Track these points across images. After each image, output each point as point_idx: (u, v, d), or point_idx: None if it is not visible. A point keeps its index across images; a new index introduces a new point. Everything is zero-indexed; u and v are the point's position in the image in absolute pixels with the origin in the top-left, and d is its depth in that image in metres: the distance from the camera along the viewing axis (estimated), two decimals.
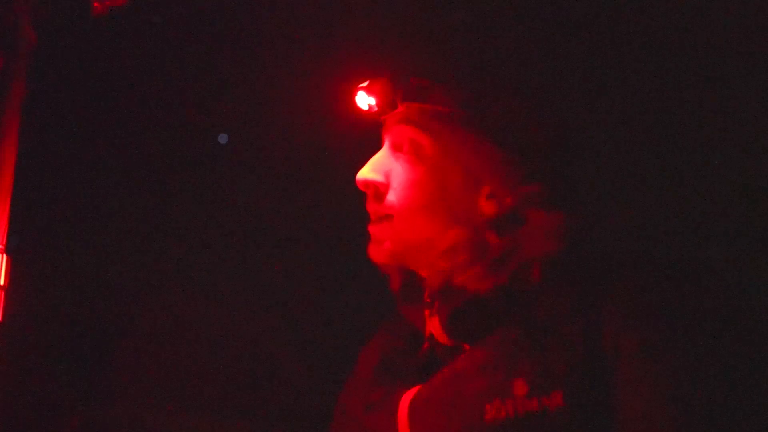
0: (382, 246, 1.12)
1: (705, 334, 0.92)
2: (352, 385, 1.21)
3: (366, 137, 1.17)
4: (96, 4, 1.13)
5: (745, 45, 1.12)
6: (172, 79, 1.50)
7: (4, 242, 1.01)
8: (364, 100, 1.14)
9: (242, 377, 1.46)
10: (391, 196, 1.11)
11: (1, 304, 1.01)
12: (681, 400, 0.88)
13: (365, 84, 1.13)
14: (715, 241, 1.12)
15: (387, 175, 1.12)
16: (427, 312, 1.11)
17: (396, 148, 1.13)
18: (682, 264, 1.00)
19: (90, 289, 1.48)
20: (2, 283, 1.02)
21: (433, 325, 1.09)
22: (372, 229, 1.13)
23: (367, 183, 1.13)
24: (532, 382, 0.95)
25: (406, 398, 1.07)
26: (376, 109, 1.13)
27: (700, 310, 0.94)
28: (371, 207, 1.13)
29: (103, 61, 1.49)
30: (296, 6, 1.26)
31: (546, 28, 1.18)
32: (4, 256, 1.02)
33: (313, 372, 1.28)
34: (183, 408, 1.45)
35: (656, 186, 1.18)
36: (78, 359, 1.47)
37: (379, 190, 1.12)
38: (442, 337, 1.09)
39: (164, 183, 1.54)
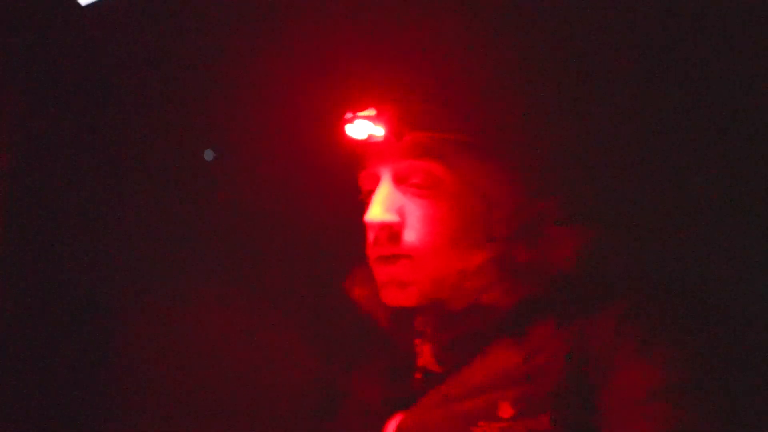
0: (408, 289, 1.05)
1: (691, 357, 0.91)
2: (346, 412, 1.20)
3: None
4: None
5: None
6: (162, 85, 1.45)
7: None
8: (362, 129, 1.06)
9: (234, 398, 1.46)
10: (410, 236, 1.04)
11: None
12: (670, 421, 0.87)
13: (371, 112, 1.05)
14: (715, 257, 1.12)
15: (400, 214, 1.05)
16: (418, 341, 1.09)
17: (401, 182, 1.07)
18: (667, 285, 1.00)
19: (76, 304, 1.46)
20: None
21: (425, 354, 1.08)
22: (388, 270, 1.06)
23: (383, 225, 1.05)
24: (519, 405, 0.95)
25: (393, 423, 1.06)
26: (378, 138, 1.05)
27: (686, 333, 0.93)
28: (383, 249, 1.06)
29: (87, 66, 1.44)
30: (290, 24, 1.21)
31: (553, 45, 1.16)
32: None
33: (311, 389, 1.27)
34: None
35: (666, 200, 1.18)
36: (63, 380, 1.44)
37: (393, 230, 1.05)
38: (433, 366, 1.07)
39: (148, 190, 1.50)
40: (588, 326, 0.97)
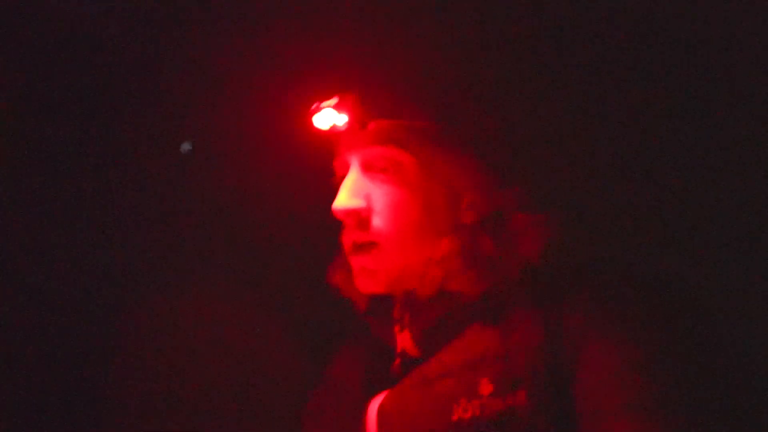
0: (377, 276, 1.07)
1: (660, 332, 0.95)
2: (319, 398, 1.21)
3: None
4: None
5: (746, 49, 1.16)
6: (136, 81, 1.47)
7: None
8: (326, 119, 1.07)
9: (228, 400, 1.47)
10: (377, 222, 1.06)
11: None
12: (641, 394, 0.91)
13: (333, 101, 1.06)
14: (685, 245, 1.16)
15: (367, 200, 1.06)
16: (397, 327, 1.10)
17: (368, 169, 1.07)
18: (638, 268, 1.02)
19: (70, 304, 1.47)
20: None
21: (404, 340, 1.10)
22: (357, 258, 1.07)
23: (348, 211, 1.06)
24: (497, 382, 0.98)
25: (375, 404, 1.09)
26: (342, 128, 1.06)
27: (656, 311, 0.97)
28: (352, 235, 1.07)
29: (67, 62, 1.45)
30: (258, 17, 1.23)
31: (516, 36, 1.19)
32: None
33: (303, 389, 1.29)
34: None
35: (631, 188, 1.22)
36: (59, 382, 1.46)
37: (361, 216, 1.06)
38: (412, 350, 1.09)
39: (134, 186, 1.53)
40: (561, 309, 0.99)
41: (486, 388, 0.98)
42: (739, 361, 0.96)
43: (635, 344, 0.94)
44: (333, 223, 1.11)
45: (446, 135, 1.05)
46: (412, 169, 1.06)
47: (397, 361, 1.10)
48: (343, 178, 1.11)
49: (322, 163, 1.17)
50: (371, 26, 1.13)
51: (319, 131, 1.10)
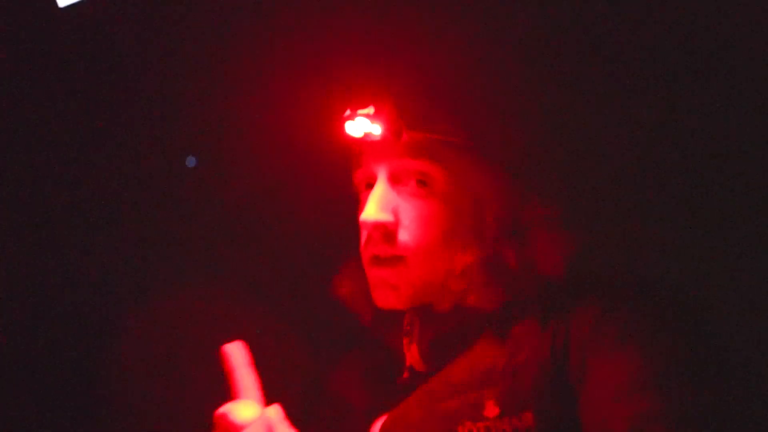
0: (398, 292, 1.06)
1: (666, 353, 0.94)
2: (323, 411, 1.19)
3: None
4: None
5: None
6: (151, 85, 1.44)
7: None
8: (360, 127, 1.06)
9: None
10: (404, 236, 1.05)
11: None
12: (647, 415, 0.89)
13: (369, 110, 1.04)
14: (701, 260, 1.15)
15: (395, 213, 1.05)
16: (406, 340, 1.09)
17: (397, 181, 1.07)
18: (644, 286, 1.02)
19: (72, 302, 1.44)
20: None
21: (412, 354, 1.08)
22: (379, 272, 1.06)
23: (377, 224, 1.05)
24: (503, 404, 0.96)
25: (378, 422, 1.07)
26: (376, 137, 1.04)
27: (662, 331, 0.96)
28: (376, 249, 1.06)
29: (66, 69, 1.42)
30: (289, 23, 1.21)
31: (553, 51, 1.17)
32: None
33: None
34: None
35: (654, 206, 1.20)
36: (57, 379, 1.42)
37: (387, 229, 1.05)
38: (419, 365, 1.08)
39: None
40: (567, 325, 0.99)
41: (492, 410, 0.97)
42: (748, 376, 0.97)
43: (642, 360, 0.93)
44: (342, 232, 1.12)
45: (479, 151, 1.06)
46: (443, 184, 1.05)
47: (406, 374, 1.09)
48: (362, 188, 1.11)
49: (336, 172, 1.16)
50: (410, 36, 1.13)
51: (348, 139, 1.09)
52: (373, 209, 1.05)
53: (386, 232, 1.05)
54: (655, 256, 1.17)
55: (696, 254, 1.17)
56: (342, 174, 1.16)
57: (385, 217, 1.05)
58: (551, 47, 1.21)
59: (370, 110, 1.05)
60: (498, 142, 1.06)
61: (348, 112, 1.07)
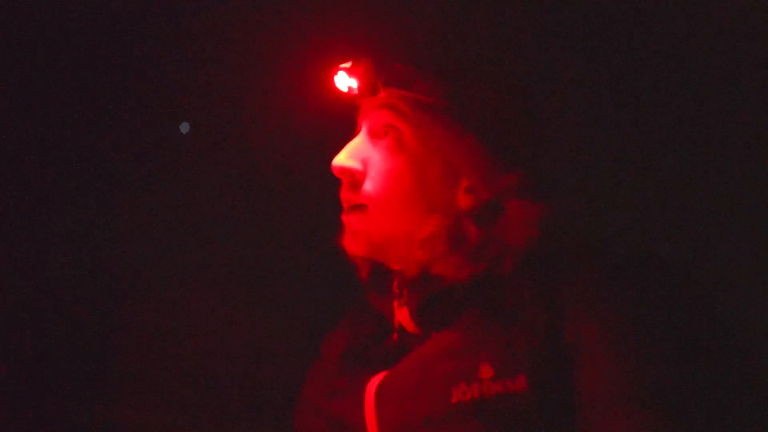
0: (358, 237, 1.09)
1: (662, 319, 0.94)
2: (316, 373, 1.21)
3: (340, 124, 1.14)
4: None
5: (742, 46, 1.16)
6: (133, 61, 1.46)
7: None
8: (344, 82, 1.10)
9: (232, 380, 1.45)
10: (368, 185, 1.08)
11: None
12: (641, 381, 0.90)
13: (347, 65, 1.09)
14: (682, 233, 1.16)
15: (364, 163, 1.09)
16: (396, 302, 1.10)
17: (374, 135, 1.10)
18: (640, 254, 1.02)
19: (83, 290, 1.45)
20: None
21: (402, 316, 1.09)
22: (346, 218, 1.10)
23: (343, 170, 1.09)
24: (497, 366, 0.97)
25: (373, 383, 1.07)
26: (356, 91, 1.09)
27: (658, 297, 0.96)
28: (346, 195, 1.09)
29: (57, 44, 1.45)
30: None
31: (527, 20, 1.19)
32: None
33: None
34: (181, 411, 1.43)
35: (629, 177, 1.21)
36: (73, 362, 1.43)
37: (355, 177, 1.08)
38: (410, 327, 1.09)
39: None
40: (561, 295, 0.99)
41: (486, 371, 0.97)
42: (743, 350, 0.95)
43: (636, 331, 0.94)
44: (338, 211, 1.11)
45: (451, 114, 1.06)
46: (413, 142, 1.07)
47: (395, 335, 1.11)
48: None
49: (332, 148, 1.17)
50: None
51: (338, 92, 1.12)
52: (343, 156, 1.09)
53: (353, 180, 1.08)
54: (646, 227, 1.18)
55: (688, 227, 1.19)
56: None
57: (351, 164, 1.08)
58: (534, 14, 1.23)
59: (348, 65, 1.09)
60: (473, 105, 1.06)
61: (334, 67, 1.11)
